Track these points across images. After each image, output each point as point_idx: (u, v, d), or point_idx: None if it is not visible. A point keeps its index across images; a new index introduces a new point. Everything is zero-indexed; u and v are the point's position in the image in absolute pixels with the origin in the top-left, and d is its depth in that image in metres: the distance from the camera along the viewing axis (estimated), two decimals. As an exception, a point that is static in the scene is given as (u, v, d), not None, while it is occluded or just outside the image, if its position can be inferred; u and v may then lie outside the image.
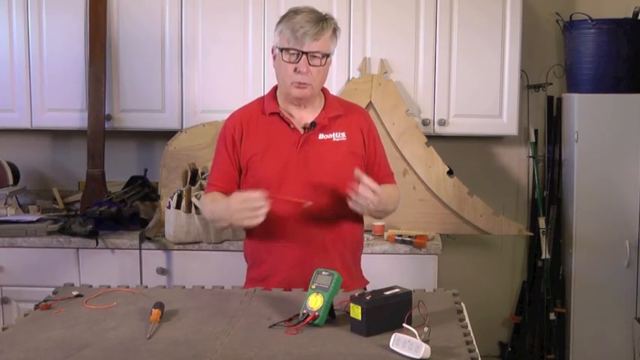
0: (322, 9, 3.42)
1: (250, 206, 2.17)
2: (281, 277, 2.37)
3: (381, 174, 2.49)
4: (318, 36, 2.27)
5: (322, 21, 2.30)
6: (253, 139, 2.39)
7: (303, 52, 2.27)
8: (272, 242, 2.35)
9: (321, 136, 2.38)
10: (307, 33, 2.25)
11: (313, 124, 2.37)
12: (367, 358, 1.75)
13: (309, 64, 2.28)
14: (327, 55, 2.32)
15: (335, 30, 2.34)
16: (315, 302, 1.95)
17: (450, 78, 3.56)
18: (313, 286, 1.98)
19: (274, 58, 2.38)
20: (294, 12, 2.32)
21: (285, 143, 2.36)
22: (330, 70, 3.49)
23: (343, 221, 2.40)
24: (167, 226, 3.29)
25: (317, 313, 1.93)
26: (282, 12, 3.46)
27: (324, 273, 2.01)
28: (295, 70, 2.29)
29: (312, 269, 2.06)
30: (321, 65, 2.31)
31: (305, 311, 1.95)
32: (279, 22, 2.34)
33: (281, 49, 2.31)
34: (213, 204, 2.38)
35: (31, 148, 4.04)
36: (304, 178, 2.34)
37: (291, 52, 2.28)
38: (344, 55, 3.55)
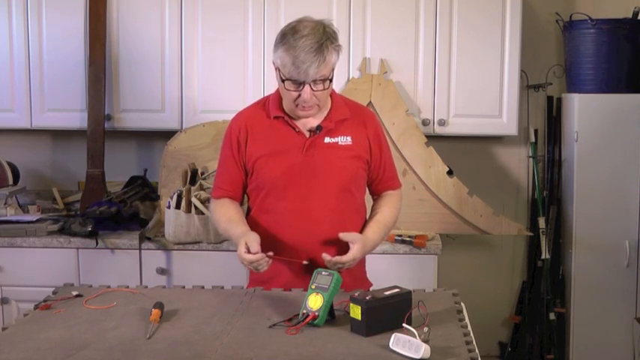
0: (322, 10, 3.45)
1: (251, 266, 2.21)
2: (284, 279, 2.37)
3: (385, 177, 2.48)
4: (321, 65, 2.20)
5: (322, 45, 2.19)
6: (259, 141, 2.38)
7: (306, 82, 2.22)
8: (275, 244, 2.34)
9: (327, 140, 2.36)
10: (310, 66, 2.18)
11: (319, 127, 2.35)
12: (367, 358, 1.75)
13: (313, 90, 2.24)
14: (331, 78, 2.27)
15: (335, 49, 2.25)
16: (314, 302, 1.95)
17: (450, 78, 3.56)
18: (313, 286, 1.99)
19: (278, 80, 2.31)
20: (292, 32, 2.21)
21: (290, 147, 2.35)
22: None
23: (346, 222, 2.38)
24: (167, 226, 3.29)
25: (317, 313, 1.93)
26: (282, 12, 3.52)
27: (323, 273, 2.02)
28: (299, 96, 2.25)
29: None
30: (324, 89, 2.26)
31: (305, 311, 1.95)
32: (279, 43, 2.24)
33: (283, 80, 2.25)
34: (228, 225, 2.37)
35: (31, 148, 4.04)
36: (309, 182, 2.34)
37: (294, 81, 2.23)
38: (344, 55, 3.53)
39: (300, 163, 2.34)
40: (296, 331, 1.91)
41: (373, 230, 2.41)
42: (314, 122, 2.37)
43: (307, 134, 2.36)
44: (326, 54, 2.20)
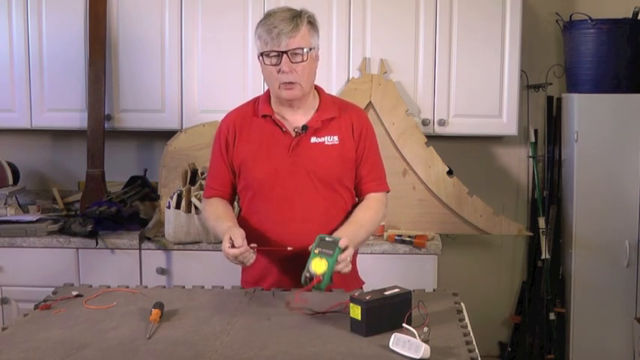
0: (322, 10, 3.46)
1: (237, 260, 2.20)
2: (273, 279, 2.38)
3: (369, 178, 2.43)
4: (294, 33, 2.24)
5: (296, 17, 2.27)
6: (246, 141, 2.38)
7: (282, 52, 2.25)
8: (263, 244, 2.32)
9: (313, 140, 2.36)
10: (282, 32, 2.23)
11: (305, 127, 2.35)
12: (367, 358, 1.75)
13: (292, 62, 2.25)
14: (310, 50, 2.28)
15: (311, 23, 2.30)
16: (319, 266, 2.01)
17: (450, 78, 3.56)
18: (316, 251, 2.05)
19: (261, 64, 2.34)
20: (268, 14, 2.30)
21: (277, 147, 2.35)
22: (330, 70, 3.54)
23: (334, 223, 2.37)
24: (167, 226, 3.29)
25: (321, 277, 1.97)
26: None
27: (327, 239, 2.08)
28: (279, 71, 2.27)
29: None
30: (303, 61, 2.27)
31: (308, 274, 1.98)
32: (257, 27, 2.31)
33: (261, 54, 2.29)
34: (215, 222, 2.37)
35: (31, 148, 4.04)
36: (295, 183, 2.34)
37: (272, 54, 2.26)
38: (344, 55, 3.55)
39: (286, 163, 2.34)
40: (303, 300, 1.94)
41: (342, 230, 2.31)
42: (301, 121, 2.37)
43: (293, 134, 2.36)
44: (299, 22, 2.26)
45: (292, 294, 2.07)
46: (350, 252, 2.17)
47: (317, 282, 1.99)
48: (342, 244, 2.11)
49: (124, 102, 3.68)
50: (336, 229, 2.34)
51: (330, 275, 2.01)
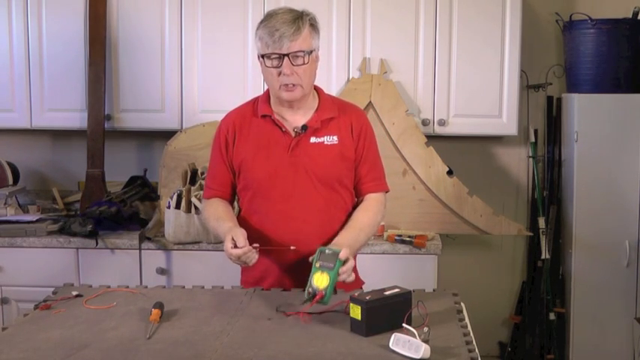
0: (322, 10, 3.46)
1: (239, 261, 2.20)
2: (273, 279, 2.38)
3: (369, 178, 2.44)
4: (296, 36, 2.23)
5: (298, 19, 2.26)
6: (245, 141, 2.39)
7: (283, 55, 2.24)
8: (264, 244, 2.32)
9: (313, 140, 2.36)
10: (284, 35, 2.22)
11: (304, 127, 2.35)
12: (367, 358, 1.75)
13: (293, 64, 2.25)
14: (311, 52, 2.29)
15: (312, 25, 2.30)
16: (320, 281, 2.00)
17: (450, 78, 3.56)
18: (317, 265, 2.04)
19: (261, 65, 2.34)
20: (269, 15, 2.29)
21: (276, 147, 2.35)
22: (330, 70, 3.55)
23: (334, 222, 2.38)
24: (167, 226, 3.29)
25: (324, 292, 1.98)
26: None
27: (327, 251, 2.08)
28: (280, 73, 2.26)
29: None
30: (304, 64, 2.27)
31: (310, 290, 1.98)
32: (258, 28, 2.31)
33: (262, 56, 2.28)
34: (216, 223, 2.38)
35: (31, 148, 4.04)
36: (295, 182, 2.34)
37: (273, 56, 2.26)
38: (344, 55, 3.56)
39: (286, 163, 2.34)
40: (308, 319, 1.93)
41: (342, 236, 2.32)
42: (301, 121, 2.37)
43: (293, 134, 2.36)
44: (300, 24, 2.25)
45: (297, 309, 2.06)
46: (351, 264, 2.16)
47: (320, 297, 1.99)
48: (342, 256, 2.09)
49: (124, 102, 3.68)
50: (336, 232, 2.34)
51: (332, 289, 2.01)
